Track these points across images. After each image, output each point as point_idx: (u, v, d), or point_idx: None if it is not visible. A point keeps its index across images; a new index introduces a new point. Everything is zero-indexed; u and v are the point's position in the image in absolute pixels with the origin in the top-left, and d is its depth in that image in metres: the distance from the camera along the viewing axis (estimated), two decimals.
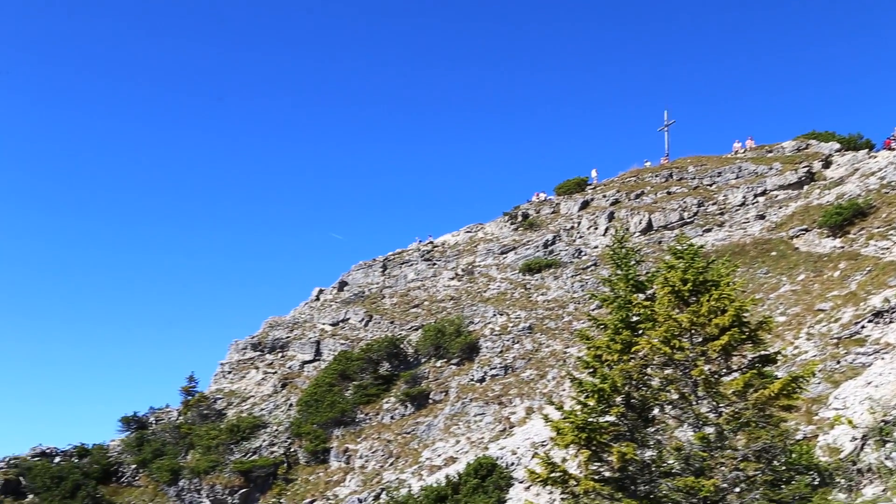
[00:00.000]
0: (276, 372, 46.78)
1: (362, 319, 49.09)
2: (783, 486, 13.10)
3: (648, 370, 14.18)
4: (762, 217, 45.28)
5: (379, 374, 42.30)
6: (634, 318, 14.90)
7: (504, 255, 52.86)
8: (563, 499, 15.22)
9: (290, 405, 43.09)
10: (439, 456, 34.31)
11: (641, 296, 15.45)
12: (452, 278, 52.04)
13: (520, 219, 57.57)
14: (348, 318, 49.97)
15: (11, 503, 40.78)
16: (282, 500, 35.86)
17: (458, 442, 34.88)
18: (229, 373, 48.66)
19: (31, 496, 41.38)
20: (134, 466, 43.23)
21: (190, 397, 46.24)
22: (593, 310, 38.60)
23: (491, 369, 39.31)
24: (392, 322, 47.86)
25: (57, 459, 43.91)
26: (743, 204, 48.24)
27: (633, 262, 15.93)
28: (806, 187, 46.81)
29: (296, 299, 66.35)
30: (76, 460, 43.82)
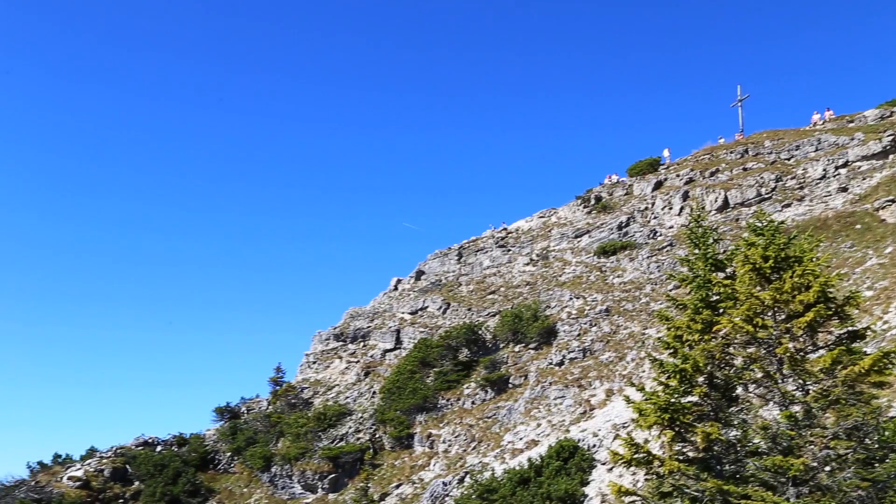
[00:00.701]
0: (358, 361, 47.91)
1: (440, 307, 49.73)
2: (876, 465, 12.91)
3: (731, 349, 14.14)
4: (844, 189, 43.75)
5: (458, 361, 42.88)
6: (714, 298, 14.85)
7: (578, 239, 52.63)
8: (646, 480, 15.34)
9: (374, 393, 44.12)
10: (521, 439, 34.63)
11: (721, 274, 15.36)
12: (527, 264, 52.14)
13: (593, 202, 57.14)
14: (426, 307, 50.70)
15: (120, 489, 43.22)
16: (369, 485, 36.82)
17: (539, 425, 35.12)
18: (314, 363, 50.10)
19: (136, 483, 43.77)
20: (229, 454, 45.14)
21: (278, 387, 47.87)
22: (671, 290, 38.22)
23: (569, 352, 39.37)
24: (469, 309, 48.34)
25: (158, 448, 46.26)
26: (823, 177, 46.71)
27: (710, 241, 15.82)
28: (892, 157, 44.93)
29: (375, 290, 67.57)
30: (176, 449, 46.07)
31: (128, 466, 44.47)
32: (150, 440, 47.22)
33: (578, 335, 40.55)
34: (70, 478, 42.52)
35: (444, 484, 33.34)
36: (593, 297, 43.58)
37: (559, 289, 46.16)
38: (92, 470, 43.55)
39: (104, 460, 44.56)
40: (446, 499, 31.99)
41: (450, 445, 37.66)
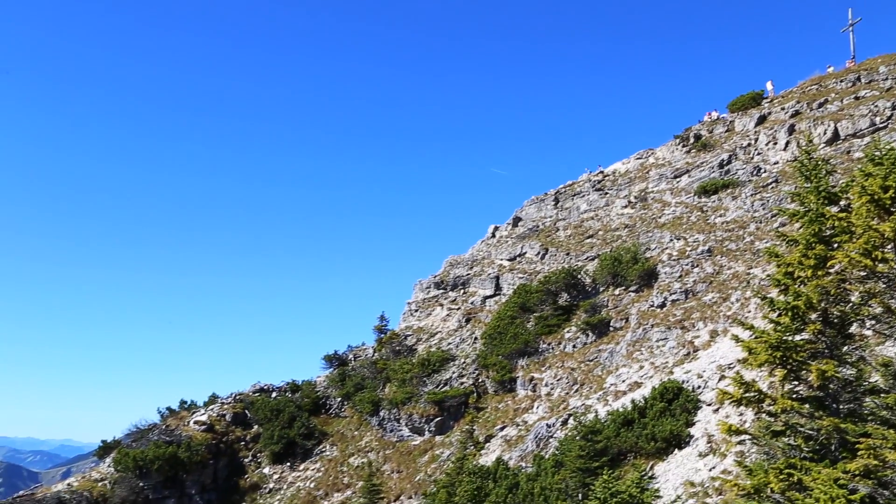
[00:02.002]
0: (459, 308, 48.80)
1: (538, 253, 49.82)
2: None
3: (846, 285, 13.76)
4: None
5: (558, 305, 43.05)
6: (828, 232, 14.39)
7: (677, 179, 51.32)
8: (756, 419, 15.24)
9: (475, 338, 44.96)
10: (623, 381, 34.67)
11: (835, 208, 14.84)
12: (625, 206, 51.36)
13: (692, 140, 55.39)
14: (524, 253, 50.89)
15: (241, 432, 46.12)
16: (474, 427, 37.80)
17: (641, 367, 35.02)
18: (416, 311, 51.36)
19: (255, 426, 46.59)
20: (339, 399, 47.26)
21: (382, 335, 49.48)
22: (779, 227, 36.94)
23: (671, 294, 38.84)
24: (567, 254, 48.21)
25: (273, 395, 48.95)
26: None
27: (822, 174, 15.26)
28: None
29: (472, 238, 68.29)
30: (289, 395, 48.62)
31: (246, 411, 47.33)
32: (265, 387, 49.99)
33: (680, 277, 39.90)
34: (196, 422, 45.65)
35: (548, 426, 33.88)
36: (694, 238, 42.64)
37: (659, 230, 45.37)
38: (214, 415, 46.58)
39: (225, 406, 47.55)
40: (550, 440, 32.52)
41: (552, 388, 38.11)
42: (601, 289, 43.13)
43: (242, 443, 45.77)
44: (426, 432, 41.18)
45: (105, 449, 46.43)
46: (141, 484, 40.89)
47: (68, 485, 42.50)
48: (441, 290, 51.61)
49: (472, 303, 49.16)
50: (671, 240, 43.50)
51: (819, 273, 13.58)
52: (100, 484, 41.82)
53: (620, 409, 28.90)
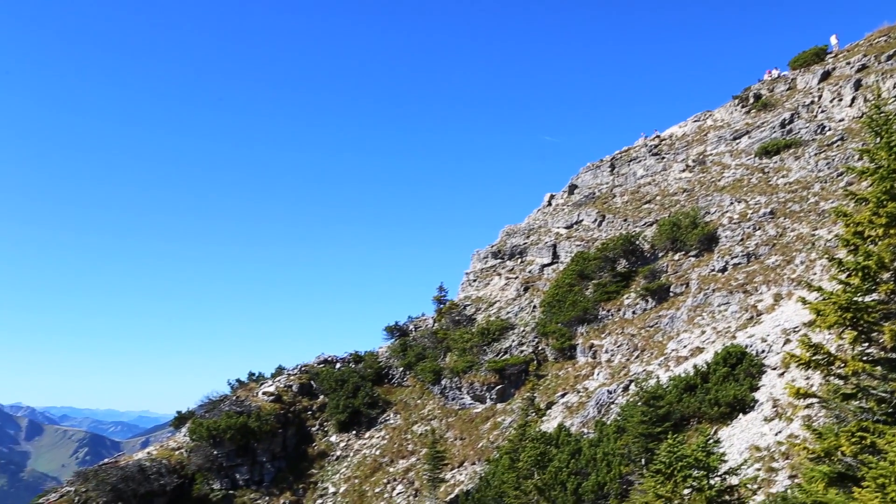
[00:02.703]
0: (517, 277, 49.02)
1: (595, 220, 49.57)
2: None
3: None
4: None
5: (616, 272, 42.90)
6: None
7: (737, 141, 50.24)
8: (824, 382, 15.14)
9: (534, 307, 45.17)
10: (685, 347, 34.51)
11: None
12: (683, 170, 50.59)
13: (751, 100, 54.03)
14: (581, 220, 50.68)
15: (307, 402, 47.49)
16: (535, 394, 38.15)
17: (703, 332, 34.78)
18: (474, 281, 51.78)
19: (321, 397, 47.91)
20: (401, 369, 48.18)
21: (442, 305, 50.10)
22: (846, 186, 36.00)
23: (732, 258, 38.32)
24: (625, 220, 47.85)
25: (337, 365, 50.19)
26: None
27: (894, 128, 14.84)
28: None
29: (528, 207, 68.17)
30: (353, 365, 49.78)
31: (312, 382, 48.66)
32: (329, 358, 51.25)
33: (741, 240, 39.29)
34: (264, 393, 47.15)
35: (609, 392, 34.03)
36: (756, 200, 41.83)
37: (718, 194, 44.63)
38: (282, 386, 48.02)
39: (291, 377, 48.95)
40: (611, 406, 32.69)
41: (612, 355, 38.16)
42: (660, 254, 42.78)
43: (309, 412, 47.13)
44: (487, 400, 41.75)
45: (180, 419, 48.42)
46: (215, 452, 42.58)
47: (148, 453, 44.54)
48: (498, 260, 51.85)
49: (529, 271, 49.29)
50: (731, 203, 42.77)
51: (891, 232, 13.31)
52: (177, 452, 43.71)
53: (682, 375, 28.86)
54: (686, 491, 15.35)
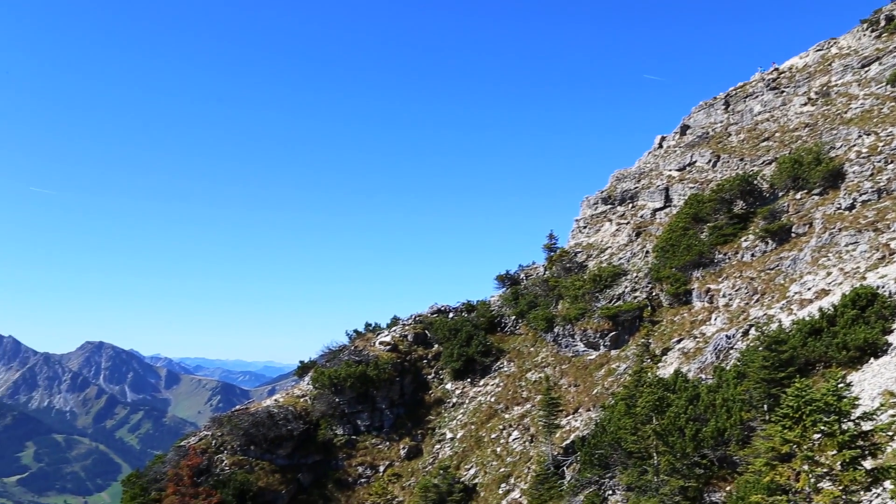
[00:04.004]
0: (628, 222, 48.14)
1: (709, 160, 47.80)
2: None
3: None
4: None
5: (733, 214, 41.40)
6: None
7: (865, 69, 46.89)
8: None
9: (647, 252, 44.33)
10: (809, 289, 33.11)
11: None
12: (805, 104, 47.80)
13: (883, 23, 50.11)
14: (694, 162, 49.00)
15: (422, 351, 48.86)
16: (650, 340, 37.67)
17: (828, 274, 33.23)
18: (584, 227, 51.25)
19: (435, 346, 49.14)
20: (513, 317, 48.62)
21: (552, 253, 49.97)
22: None
23: (861, 195, 36.18)
24: (741, 159, 45.89)
25: (451, 315, 51.20)
26: None
27: None
28: None
29: (638, 150, 66.54)
30: (465, 315, 50.66)
31: (426, 332, 49.91)
32: (442, 308, 52.31)
33: (871, 175, 36.95)
34: (381, 342, 48.81)
35: (728, 337, 33.20)
36: (888, 132, 39.10)
37: (844, 127, 41.98)
38: (397, 335, 49.53)
39: (406, 327, 50.36)
40: (730, 352, 31.92)
41: (730, 299, 37.09)
42: (780, 194, 40.88)
43: (424, 361, 48.49)
44: (601, 347, 41.61)
45: (303, 369, 50.92)
46: (337, 399, 44.63)
47: (275, 400, 47.19)
48: (609, 206, 51.00)
49: (641, 216, 48.26)
50: (860, 136, 40.18)
51: None
52: (301, 400, 46.10)
53: (807, 318, 27.78)
54: (816, 436, 14.95)
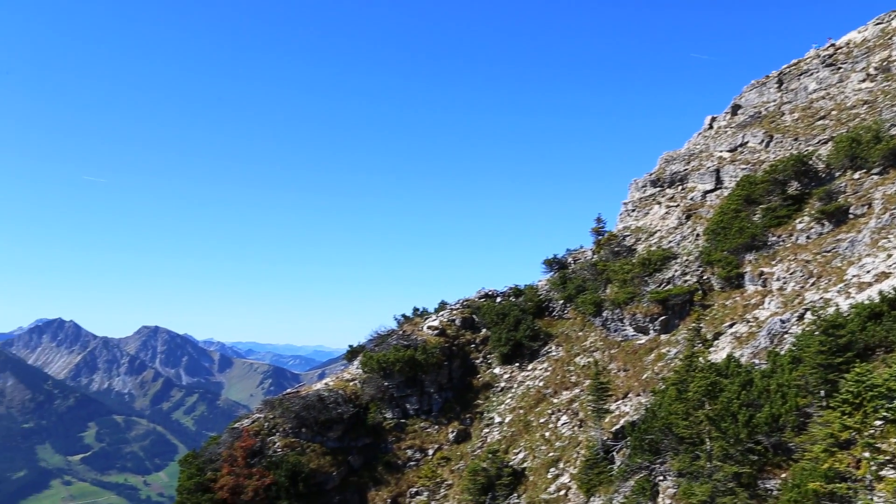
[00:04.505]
0: (677, 205, 47.34)
1: (762, 141, 46.64)
2: None
3: None
4: None
5: (787, 195, 40.38)
6: None
7: None
8: None
9: (697, 235, 43.57)
10: (868, 272, 32.16)
11: None
12: (863, 80, 46.22)
13: None
14: (746, 142, 47.86)
15: (470, 335, 48.97)
16: (701, 325, 37.11)
17: (889, 256, 32.21)
18: (633, 211, 50.57)
19: (483, 330, 49.20)
20: (561, 301, 48.35)
21: (600, 237, 49.47)
22: None
23: None
24: (795, 139, 44.67)
25: (498, 300, 51.17)
26: None
27: None
28: None
29: (687, 132, 65.38)
30: (513, 299, 50.58)
31: (474, 316, 49.98)
32: (490, 293, 52.29)
33: None
34: (429, 327, 49.06)
35: (782, 321, 32.50)
36: None
37: None
38: (445, 320, 49.71)
39: (454, 311, 50.51)
40: (785, 336, 31.26)
41: (784, 283, 36.27)
42: (837, 174, 39.71)
43: (472, 345, 48.60)
44: (650, 331, 41.14)
45: (352, 353, 51.53)
46: (385, 383, 45.07)
47: (325, 384, 47.87)
48: (658, 188, 50.21)
49: (691, 199, 47.40)
50: None
51: None
52: (351, 383, 46.68)
53: (866, 302, 27.01)
54: (878, 422, 14.61)
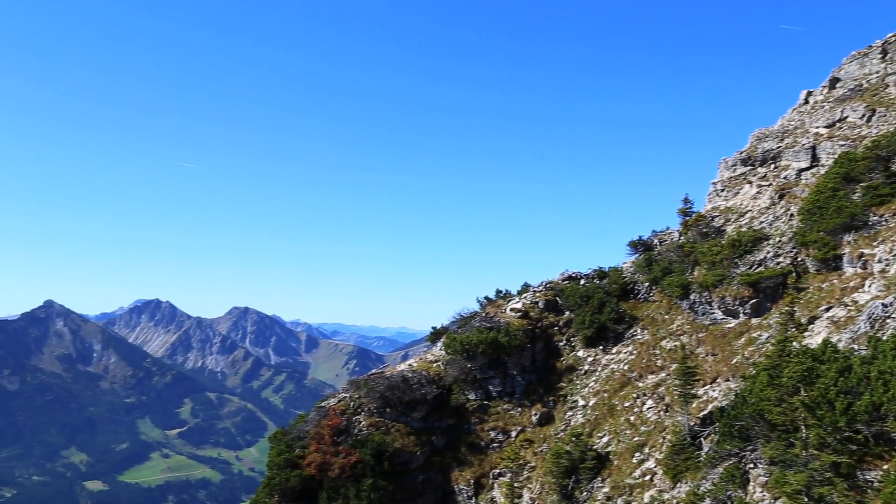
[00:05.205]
0: (770, 184, 45.53)
1: (863, 115, 44.26)
2: None
3: None
4: None
5: (891, 172, 38.21)
6: None
7: None
8: None
9: (791, 215, 41.83)
10: None
11: None
12: None
13: None
14: (845, 117, 45.53)
15: (553, 318, 48.62)
16: (795, 308, 35.70)
17: None
18: (722, 191, 48.96)
19: (566, 312, 48.74)
20: (647, 284, 47.35)
21: (687, 218, 48.08)
22: None
23: None
24: None
25: (582, 282, 50.54)
26: None
27: None
28: None
29: (780, 108, 62.75)
30: (597, 282, 49.85)
31: (557, 298, 49.55)
32: (573, 275, 51.70)
33: None
34: (511, 309, 48.95)
35: (884, 305, 30.92)
36: None
37: None
38: (528, 302, 49.47)
39: (537, 294, 50.19)
40: (887, 321, 29.76)
41: (887, 265, 34.46)
42: None
43: (555, 328, 48.24)
44: (741, 314, 39.86)
45: (435, 335, 51.98)
46: (468, 365, 45.30)
47: (409, 365, 48.52)
48: (749, 167, 48.37)
49: (784, 177, 45.48)
50: None
51: None
52: (434, 365, 47.14)
53: None
54: None
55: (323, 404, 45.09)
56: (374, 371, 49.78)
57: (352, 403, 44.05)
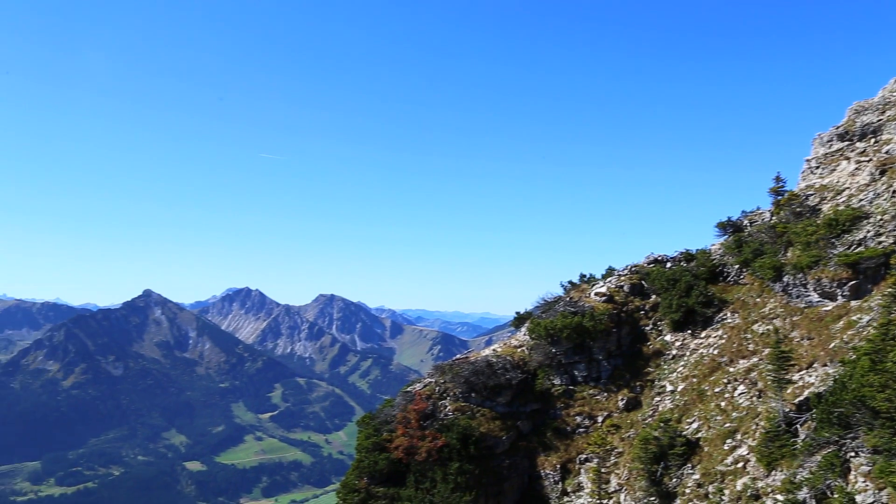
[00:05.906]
0: (870, 159, 43.24)
1: None
2: None
3: None
4: None
5: None
6: None
7: None
8: None
9: (893, 192, 39.64)
10: None
11: None
12: None
13: None
14: None
15: (639, 302, 47.75)
16: None
17: None
18: (817, 168, 46.83)
19: (653, 296, 47.78)
20: (736, 266, 45.88)
21: (779, 197, 46.21)
22: None
23: None
24: None
25: (668, 265, 49.41)
26: None
27: None
28: None
29: (881, 78, 59.42)
30: (684, 264, 48.61)
31: (643, 282, 48.64)
32: (659, 258, 50.60)
33: None
34: (596, 293, 48.37)
35: None
36: None
37: None
38: (613, 286, 48.76)
39: (622, 278, 49.40)
40: None
41: None
42: None
43: (641, 312, 47.37)
44: (838, 297, 38.15)
45: (519, 319, 51.89)
46: (553, 350, 45.06)
47: (493, 350, 48.64)
48: (846, 142, 46.06)
49: (886, 152, 43.10)
50: None
51: None
52: (518, 350, 47.10)
53: None
54: None
55: (409, 389, 45.74)
56: (458, 356, 50.17)
57: (437, 388, 44.53)
